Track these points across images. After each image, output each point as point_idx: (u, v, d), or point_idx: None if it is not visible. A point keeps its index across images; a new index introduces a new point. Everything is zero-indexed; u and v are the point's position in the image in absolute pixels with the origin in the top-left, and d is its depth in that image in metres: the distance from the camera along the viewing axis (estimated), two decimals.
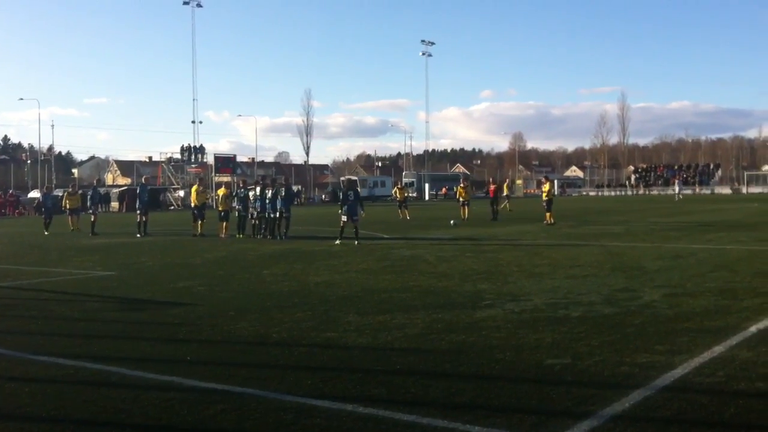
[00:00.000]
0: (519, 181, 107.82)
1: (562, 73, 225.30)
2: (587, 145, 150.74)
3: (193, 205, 26.75)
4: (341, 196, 22.31)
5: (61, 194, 39.18)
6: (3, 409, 5.66)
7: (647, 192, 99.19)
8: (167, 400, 5.78)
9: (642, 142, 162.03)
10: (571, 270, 13.67)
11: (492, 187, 35.53)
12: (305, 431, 5.06)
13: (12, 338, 8.32)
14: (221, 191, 27.42)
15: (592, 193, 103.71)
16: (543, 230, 25.45)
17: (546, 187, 29.97)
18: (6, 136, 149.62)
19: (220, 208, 26.32)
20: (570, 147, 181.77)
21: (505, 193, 43.54)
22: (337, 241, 20.60)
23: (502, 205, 39.16)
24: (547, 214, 28.56)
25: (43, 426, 5.24)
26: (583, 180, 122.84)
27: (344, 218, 21.14)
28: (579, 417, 5.15)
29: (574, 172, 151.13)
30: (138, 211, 26.77)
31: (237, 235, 24.61)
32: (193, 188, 27.76)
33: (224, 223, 25.55)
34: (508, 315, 9.17)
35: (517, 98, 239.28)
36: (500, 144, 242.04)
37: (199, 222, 25.72)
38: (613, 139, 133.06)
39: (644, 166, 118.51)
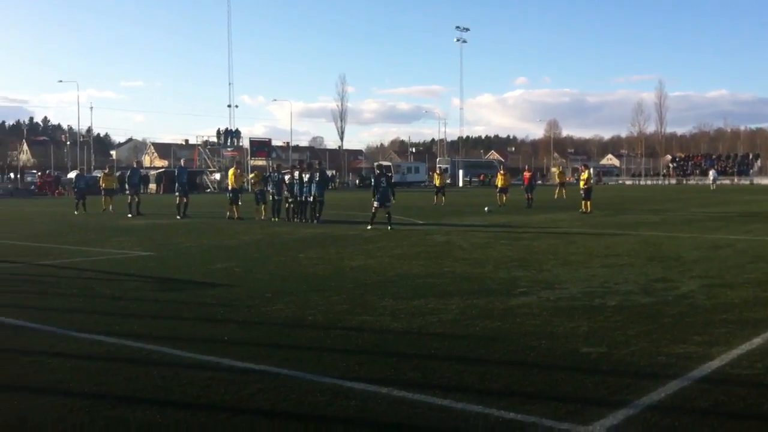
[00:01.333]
0: (554, 169, 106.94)
1: (598, 60, 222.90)
2: (624, 134, 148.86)
3: (230, 187, 26.99)
4: (372, 182, 22.35)
5: (98, 175, 39.77)
6: (47, 384, 5.81)
7: (685, 181, 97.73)
8: (205, 379, 5.89)
9: (680, 131, 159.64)
10: (608, 259, 13.57)
11: (527, 174, 35.30)
12: (341, 412, 5.13)
13: (55, 315, 8.50)
14: (254, 174, 27.67)
15: (628, 182, 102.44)
16: (579, 218, 25.25)
17: (584, 175, 29.68)
18: (46, 117, 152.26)
19: (255, 190, 26.57)
20: (606, 135, 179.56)
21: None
22: (369, 227, 20.66)
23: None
24: (584, 203, 28.31)
25: (85, 401, 5.37)
26: (619, 168, 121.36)
27: (376, 204, 21.19)
28: (615, 406, 5.14)
29: (610, 160, 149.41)
30: (177, 193, 27.05)
31: (272, 219, 24.82)
32: (231, 171, 28.01)
33: (261, 206, 25.82)
34: (543, 303, 9.15)
35: (551, 85, 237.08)
36: (535, 131, 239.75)
37: (236, 205, 25.96)
38: (650, 128, 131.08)
39: (682, 155, 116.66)
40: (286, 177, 25.20)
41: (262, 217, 25.24)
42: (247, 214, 26.05)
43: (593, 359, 6.44)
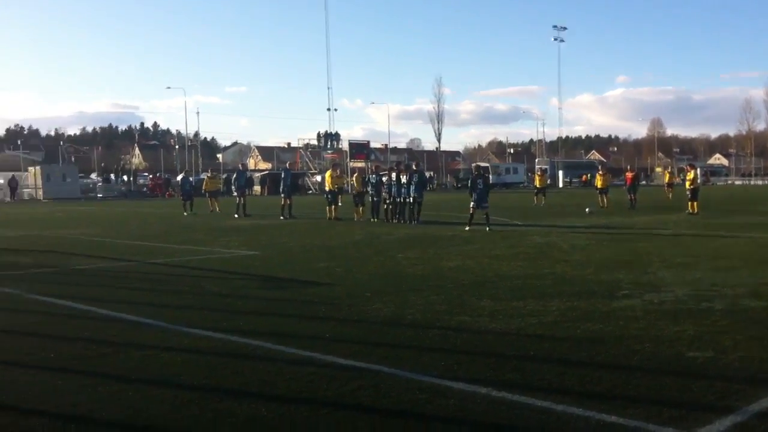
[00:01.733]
0: (658, 169, 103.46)
1: (703, 56, 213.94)
2: (732, 132, 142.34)
3: (327, 189, 27.46)
4: (470, 184, 22.28)
5: (203, 178, 41.21)
6: (158, 377, 6.11)
7: None
8: (308, 375, 6.06)
9: None
10: (716, 262, 13.08)
11: (629, 174, 34.36)
12: (440, 411, 5.18)
13: (166, 311, 8.90)
14: (356, 176, 28.09)
15: (738, 182, 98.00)
16: (685, 220, 24.41)
17: (690, 175, 28.63)
18: (156, 122, 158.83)
19: (355, 192, 26.96)
20: (713, 134, 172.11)
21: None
22: (467, 227, 20.59)
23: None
24: (691, 203, 27.33)
25: (195, 393, 5.63)
26: (728, 168, 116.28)
27: (473, 205, 21.11)
28: (722, 412, 5.00)
29: (718, 160, 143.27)
30: (282, 195, 27.72)
31: (371, 219, 25.11)
32: (328, 173, 28.49)
33: (359, 207, 26.19)
34: (647, 305, 8.93)
35: (654, 83, 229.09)
36: (637, 130, 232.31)
37: (333, 206, 26.37)
38: (760, 126, 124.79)
39: None
40: (384, 178, 25.44)
41: (361, 218, 25.56)
42: (346, 215, 26.46)
43: (699, 364, 6.26)
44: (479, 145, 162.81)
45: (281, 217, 26.70)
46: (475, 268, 12.67)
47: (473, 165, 28.66)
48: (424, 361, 6.49)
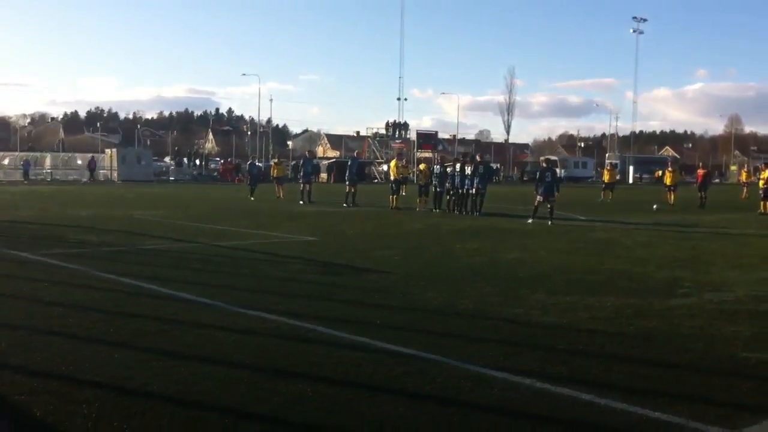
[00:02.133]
0: (733, 167, 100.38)
1: None
2: None
3: (392, 178, 27.57)
4: (537, 176, 22.08)
5: (270, 164, 41.82)
6: (211, 354, 6.30)
7: None
8: (356, 359, 6.18)
9: None
10: None
11: (701, 171, 33.43)
12: (482, 399, 5.23)
13: (224, 292, 9.14)
14: (422, 167, 28.13)
15: None
16: (756, 220, 23.67)
17: (764, 174, 27.73)
18: (230, 108, 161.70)
19: (420, 183, 27.01)
20: None
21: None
22: (530, 220, 20.43)
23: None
24: (763, 203, 26.49)
25: (245, 372, 5.80)
26: None
27: (539, 198, 20.93)
28: None
29: None
30: (347, 183, 27.97)
31: (433, 210, 25.14)
32: (393, 162, 28.60)
33: (422, 198, 26.23)
34: (705, 305, 8.76)
35: (736, 78, 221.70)
36: (714, 127, 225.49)
37: (396, 196, 26.47)
38: None
39: None
40: (449, 169, 25.41)
41: (422, 208, 25.60)
42: (410, 205, 26.55)
43: (752, 365, 6.14)
44: (549, 138, 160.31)
45: (344, 205, 26.96)
46: (532, 261, 12.60)
47: (542, 158, 28.32)
48: (471, 350, 6.52)
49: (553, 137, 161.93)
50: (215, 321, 7.53)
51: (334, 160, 72.38)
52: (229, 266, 11.72)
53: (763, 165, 31.45)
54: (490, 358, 6.23)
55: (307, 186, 29.51)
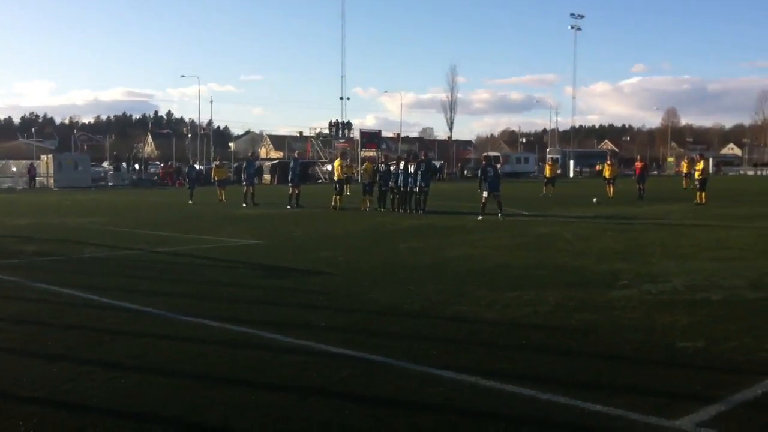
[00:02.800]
0: (671, 159, 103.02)
1: (721, 45, 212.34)
2: (747, 122, 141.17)
3: (336, 178, 27.52)
4: (480, 173, 22.31)
5: (211, 167, 41.30)
6: (153, 364, 6.20)
7: None
8: (300, 363, 6.14)
9: None
10: (717, 252, 13.08)
11: (639, 164, 34.21)
12: (428, 399, 5.24)
13: (166, 300, 8.98)
14: (365, 166, 28.12)
15: (750, 173, 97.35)
16: (692, 210, 24.33)
17: (700, 165, 28.51)
18: (170, 111, 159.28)
19: (364, 182, 26.99)
20: (728, 124, 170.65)
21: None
22: (480, 217, 20.60)
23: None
24: (699, 194, 27.24)
25: (188, 380, 5.72)
26: (741, 158, 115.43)
27: (485, 194, 21.14)
28: (706, 401, 5.04)
29: (731, 150, 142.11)
30: (290, 184, 27.79)
31: (377, 209, 25.17)
32: (336, 162, 28.54)
33: (367, 197, 26.22)
34: (644, 296, 8.96)
35: (671, 72, 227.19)
36: (652, 120, 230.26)
37: (339, 196, 26.40)
38: None
39: None
40: (392, 167, 25.46)
41: (368, 208, 25.61)
42: (354, 204, 26.53)
43: (689, 354, 6.29)
44: (492, 135, 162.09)
45: (288, 207, 26.79)
46: (476, 257, 12.71)
47: (483, 155, 28.64)
48: (416, 350, 6.54)
49: (496, 133, 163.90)
50: (157, 330, 7.40)
51: (277, 161, 71.91)
52: (171, 273, 11.53)
53: (698, 156, 32.31)
54: (435, 357, 6.26)
55: (251, 188, 29.25)
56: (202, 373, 5.92)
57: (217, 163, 36.40)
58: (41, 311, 8.41)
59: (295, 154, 32.84)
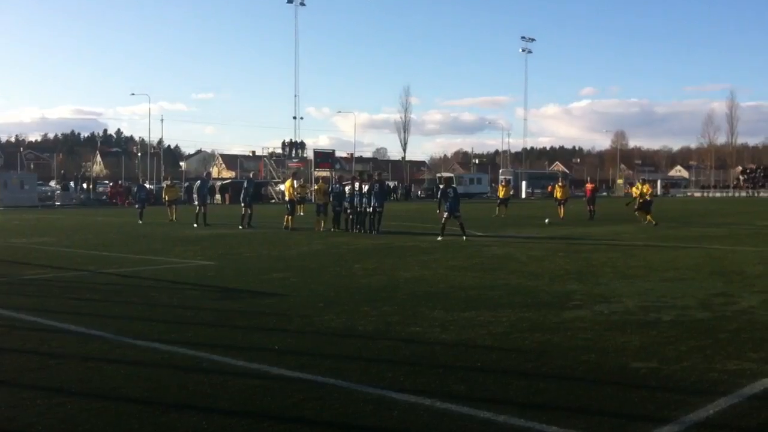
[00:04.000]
0: (620, 180, 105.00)
1: (668, 69, 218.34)
2: (693, 145, 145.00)
3: (287, 198, 27.33)
4: (439, 194, 22.40)
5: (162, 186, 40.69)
6: (100, 389, 6.00)
7: (756, 194, 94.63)
8: (253, 387, 6.02)
9: (752, 141, 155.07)
10: (667, 273, 13.29)
11: (589, 186, 34.79)
12: (383, 422, 5.18)
13: (113, 322, 8.76)
14: (318, 186, 28.01)
15: (697, 194, 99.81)
16: (641, 231, 24.75)
17: (636, 189, 29.58)
18: (119, 129, 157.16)
19: (318, 202, 26.85)
20: (675, 146, 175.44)
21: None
22: (439, 238, 20.61)
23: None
24: (646, 215, 27.84)
25: (136, 407, 5.54)
26: (688, 180, 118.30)
27: (445, 214, 21.18)
28: (660, 422, 5.07)
29: (679, 172, 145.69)
30: (242, 204, 27.50)
31: (332, 229, 25.04)
32: (287, 182, 28.34)
33: (321, 218, 26.06)
34: (596, 316, 9.03)
35: (619, 95, 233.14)
36: (601, 142, 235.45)
37: (292, 216, 26.20)
38: (721, 139, 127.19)
39: (753, 166, 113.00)
40: (347, 188, 25.41)
41: (322, 229, 25.47)
42: (308, 225, 26.37)
43: (642, 374, 6.34)
44: (445, 155, 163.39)
45: (240, 227, 26.51)
46: (431, 278, 12.70)
47: (438, 175, 28.76)
48: (371, 372, 6.47)
49: (449, 154, 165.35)
50: (104, 353, 7.20)
51: (229, 180, 71.34)
52: (119, 295, 11.24)
53: (641, 180, 32.93)
54: (390, 380, 6.19)
55: (202, 208, 28.86)
56: (151, 398, 5.75)
57: (168, 182, 35.93)
58: None
59: (250, 175, 32.61)
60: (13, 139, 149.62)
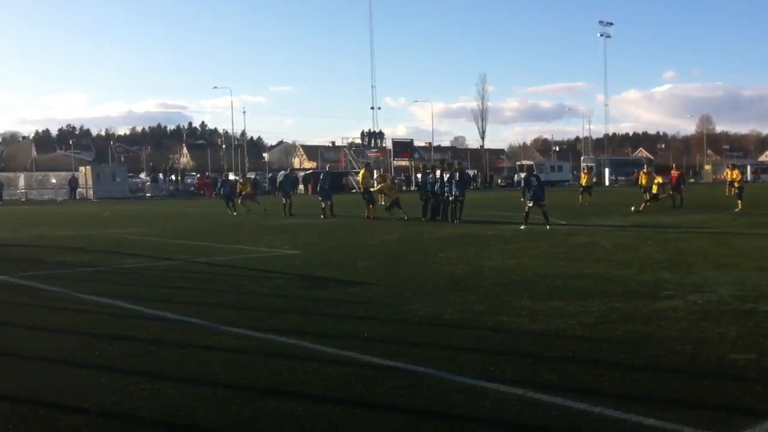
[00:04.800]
0: (707, 167, 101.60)
1: (753, 51, 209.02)
2: None
3: (362, 189, 27.43)
4: (523, 183, 22.15)
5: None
6: (198, 375, 6.21)
7: None
8: (345, 375, 6.11)
9: None
10: (762, 261, 12.80)
11: (675, 172, 33.74)
12: (475, 412, 5.18)
13: (208, 310, 9.03)
14: (362, 172, 27.87)
15: None
16: (732, 219, 23.90)
17: (730, 174, 28.44)
18: (203, 122, 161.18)
19: (361, 189, 26.99)
20: (765, 130, 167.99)
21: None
22: (523, 227, 20.40)
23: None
24: (738, 202, 26.84)
25: (233, 392, 5.71)
26: None
27: (530, 203, 20.96)
28: (763, 415, 4.91)
29: None
30: (320, 197, 27.94)
31: (406, 218, 25.05)
32: (361, 173, 28.42)
33: (369, 205, 26.18)
34: (690, 306, 8.78)
35: (702, 79, 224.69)
36: (686, 127, 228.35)
37: (371, 205, 26.39)
38: None
39: None
40: (429, 176, 25.36)
41: (371, 216, 25.41)
42: (384, 215, 26.50)
43: (741, 366, 6.14)
44: (524, 143, 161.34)
45: (322, 217, 26.87)
46: (515, 267, 12.60)
47: (517, 163, 28.45)
48: (460, 361, 6.48)
49: (528, 142, 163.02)
50: (200, 340, 7.44)
51: (310, 171, 72.28)
52: (211, 283, 11.59)
53: (729, 166, 31.78)
54: (480, 369, 6.19)
55: (288, 200, 29.65)
56: (247, 384, 5.91)
57: (241, 179, 36.57)
58: (87, 322, 8.48)
59: (327, 167, 33.08)
60: (103, 133, 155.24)
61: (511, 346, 7.06)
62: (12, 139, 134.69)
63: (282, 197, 30.36)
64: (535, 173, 22.41)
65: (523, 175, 22.44)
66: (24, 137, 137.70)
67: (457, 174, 24.32)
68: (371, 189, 26.95)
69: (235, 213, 30.95)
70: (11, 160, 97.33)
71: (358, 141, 79.17)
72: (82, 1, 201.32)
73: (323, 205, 27.42)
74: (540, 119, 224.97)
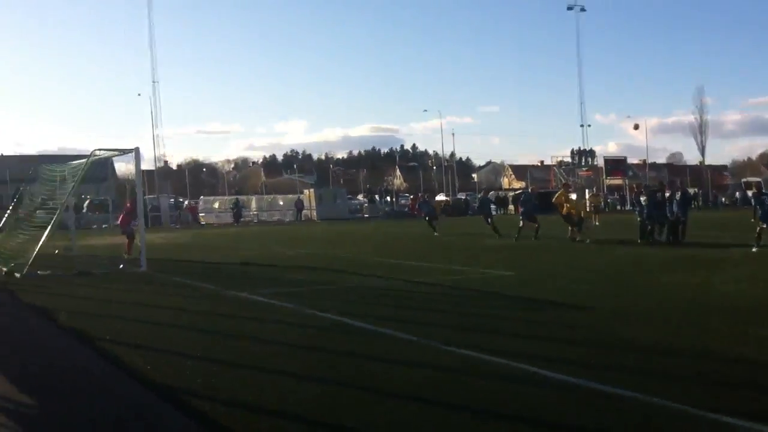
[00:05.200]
0: None
1: None
2: None
3: (562, 211, 26.09)
4: (753, 200, 20.61)
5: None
6: (405, 391, 6.41)
7: None
8: (572, 401, 5.99)
9: None
10: None
11: None
12: None
13: (426, 329, 9.15)
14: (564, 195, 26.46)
15: None
16: None
17: None
18: (414, 144, 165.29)
19: (581, 214, 25.86)
20: None
21: None
22: (754, 249, 18.91)
23: None
24: None
25: (439, 410, 5.90)
26: None
27: (762, 225, 19.35)
28: None
29: None
30: (521, 218, 27.06)
31: (638, 240, 24.04)
32: (558, 194, 26.98)
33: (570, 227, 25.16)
34: None
35: None
36: None
37: (571, 227, 25.27)
38: None
39: None
40: (642, 198, 24.26)
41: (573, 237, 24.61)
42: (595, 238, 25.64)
43: None
44: (749, 158, 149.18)
45: (533, 239, 26.31)
46: (750, 293, 11.72)
47: (743, 180, 26.42)
48: (696, 393, 6.13)
49: (753, 157, 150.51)
50: (417, 357, 7.69)
51: (520, 191, 71.70)
52: (431, 303, 11.90)
53: None
54: (723, 403, 5.78)
55: (489, 220, 29.40)
56: (455, 402, 6.03)
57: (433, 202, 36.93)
58: (318, 337, 9.06)
59: (529, 189, 32.46)
60: (323, 157, 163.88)
61: (756, 379, 6.58)
62: (243, 164, 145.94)
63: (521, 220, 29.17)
64: (765, 191, 20.65)
65: (750, 193, 20.76)
66: (254, 162, 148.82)
67: (678, 193, 23.13)
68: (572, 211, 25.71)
69: (436, 233, 31.18)
70: (243, 183, 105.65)
71: (568, 159, 77.40)
72: (302, 37, 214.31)
73: (522, 225, 26.49)
74: (766, 132, 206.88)
